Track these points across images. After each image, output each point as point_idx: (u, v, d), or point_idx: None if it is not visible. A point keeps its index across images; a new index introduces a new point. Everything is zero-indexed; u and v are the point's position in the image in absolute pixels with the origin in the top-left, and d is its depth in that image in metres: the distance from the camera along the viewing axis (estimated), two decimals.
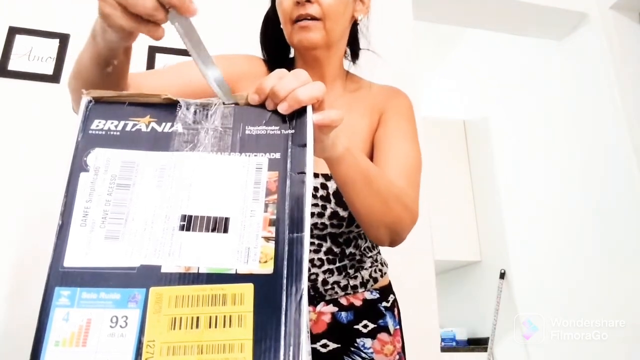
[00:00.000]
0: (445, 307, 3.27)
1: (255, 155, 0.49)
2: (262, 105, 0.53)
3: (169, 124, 0.50)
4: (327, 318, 0.93)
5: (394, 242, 0.89)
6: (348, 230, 0.95)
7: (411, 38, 2.29)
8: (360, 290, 0.96)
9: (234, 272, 0.44)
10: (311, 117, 0.52)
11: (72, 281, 0.44)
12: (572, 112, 2.76)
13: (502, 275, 3.15)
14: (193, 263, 0.44)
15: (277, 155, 0.49)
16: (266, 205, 0.47)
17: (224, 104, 0.53)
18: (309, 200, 0.47)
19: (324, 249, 0.95)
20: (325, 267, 0.94)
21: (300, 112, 0.52)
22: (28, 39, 1.78)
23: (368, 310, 0.96)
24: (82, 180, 0.48)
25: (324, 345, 0.92)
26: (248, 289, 0.43)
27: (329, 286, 0.94)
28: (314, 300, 0.94)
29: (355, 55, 1.12)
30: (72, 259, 0.45)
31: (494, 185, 3.32)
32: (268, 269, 0.44)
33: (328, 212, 0.92)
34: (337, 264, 0.95)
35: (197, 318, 0.42)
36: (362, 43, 1.12)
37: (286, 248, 0.45)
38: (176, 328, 0.42)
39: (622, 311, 2.29)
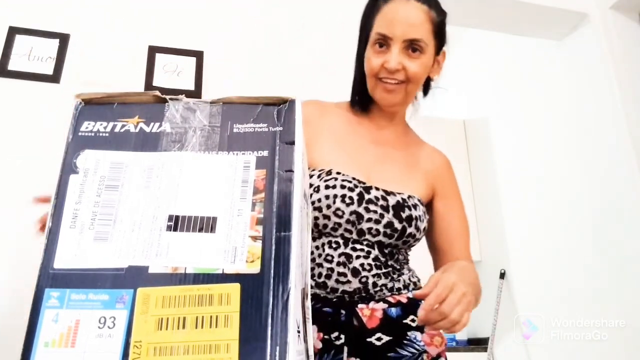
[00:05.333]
0: None
1: (242, 154, 0.49)
2: (250, 103, 0.52)
3: (157, 124, 0.50)
4: (379, 314, 1.00)
5: None
6: (395, 244, 1.04)
7: None
8: (403, 291, 1.04)
9: (220, 272, 0.44)
10: (300, 114, 0.51)
11: (61, 282, 0.44)
12: (572, 112, 2.75)
13: (502, 275, 3.14)
14: (180, 263, 0.44)
15: (265, 153, 0.49)
16: (253, 204, 0.46)
17: (211, 102, 0.52)
18: (296, 198, 0.47)
19: (372, 255, 1.02)
20: (374, 271, 1.01)
21: (289, 109, 0.51)
22: (28, 39, 1.78)
23: (413, 307, 1.03)
24: (71, 182, 0.48)
25: (379, 339, 0.98)
26: (234, 289, 0.43)
27: (378, 288, 1.01)
28: (365, 300, 1.01)
29: (425, 93, 1.23)
30: (62, 261, 0.45)
31: (494, 186, 3.31)
32: (255, 268, 0.44)
33: (385, 220, 1.01)
34: (383, 270, 1.03)
35: (184, 318, 0.42)
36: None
37: (273, 247, 0.44)
38: (163, 328, 0.42)
39: (622, 311, 2.28)
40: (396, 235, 1.02)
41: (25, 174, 1.61)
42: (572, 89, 2.75)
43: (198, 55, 1.93)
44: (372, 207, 1.01)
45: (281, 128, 0.50)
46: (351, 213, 1.00)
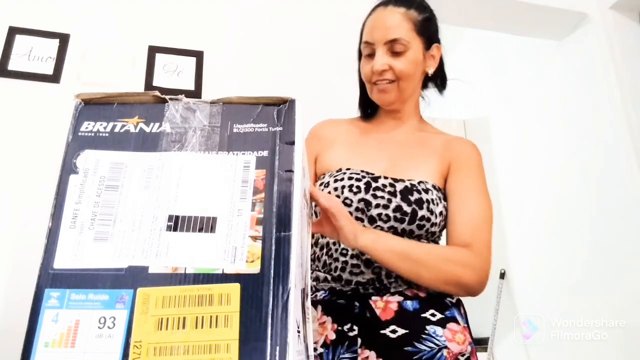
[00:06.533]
0: None
1: (242, 154, 0.49)
2: (250, 103, 0.52)
3: (157, 124, 0.50)
4: (394, 306, 1.00)
5: (469, 294, 1.01)
6: (409, 230, 1.02)
7: None
8: (423, 286, 1.02)
9: (220, 272, 0.44)
10: (300, 114, 0.51)
11: (61, 283, 0.44)
12: (572, 112, 2.75)
13: (502, 275, 3.14)
14: (180, 263, 0.44)
15: (265, 153, 0.49)
16: (253, 204, 0.46)
17: (211, 102, 0.52)
18: (296, 198, 0.47)
19: None
20: None
21: (289, 109, 0.51)
22: (28, 39, 1.78)
23: (433, 302, 1.02)
24: (71, 183, 0.48)
25: (393, 331, 0.97)
26: (235, 289, 0.43)
27: (392, 279, 1.01)
28: (379, 292, 1.01)
29: (444, 87, 1.30)
30: (62, 261, 0.45)
31: (494, 185, 3.31)
32: (255, 268, 0.44)
33: (393, 205, 1.02)
34: None
35: (184, 318, 0.42)
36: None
37: (273, 247, 0.44)
38: (163, 328, 0.42)
39: (622, 311, 2.28)
40: (407, 218, 1.02)
41: (25, 174, 1.61)
42: (572, 89, 2.75)
43: (198, 55, 1.93)
44: (379, 193, 1.03)
45: (281, 128, 0.50)
46: (359, 201, 1.03)
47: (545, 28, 2.76)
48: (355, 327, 0.99)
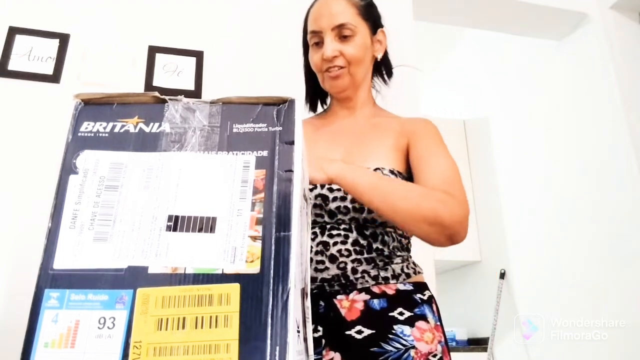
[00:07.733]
0: (445, 307, 3.26)
1: (242, 154, 0.49)
2: (249, 103, 0.53)
3: (156, 124, 0.50)
4: (360, 305, 0.97)
5: (448, 238, 0.96)
6: (371, 218, 1.00)
7: (411, 38, 2.29)
8: (392, 281, 0.99)
9: (220, 272, 0.44)
10: (300, 114, 0.51)
11: (61, 283, 0.44)
12: (572, 112, 2.75)
13: (502, 275, 3.14)
14: (180, 263, 0.44)
15: (265, 153, 0.49)
16: (253, 204, 0.46)
17: (211, 102, 0.52)
18: (296, 198, 0.47)
19: (350, 240, 1.00)
20: (353, 256, 0.99)
21: (289, 109, 0.51)
22: (28, 39, 1.78)
23: (402, 299, 0.98)
24: (71, 183, 0.48)
25: (359, 332, 0.94)
26: (234, 289, 0.43)
27: (359, 274, 0.98)
28: (346, 289, 0.98)
29: (389, 75, 1.28)
30: (62, 261, 0.45)
31: (494, 185, 3.31)
32: (255, 268, 0.44)
33: (350, 196, 1.00)
34: (365, 255, 1.00)
35: (184, 318, 0.42)
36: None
37: (273, 247, 0.44)
38: (162, 329, 0.42)
39: (622, 311, 2.28)
40: (367, 207, 0.99)
41: (25, 174, 1.61)
42: (572, 89, 2.76)
43: (198, 55, 1.93)
44: (335, 186, 1.01)
45: (281, 128, 0.50)
46: (316, 197, 1.01)
47: (545, 28, 2.77)
48: (319, 328, 0.96)
